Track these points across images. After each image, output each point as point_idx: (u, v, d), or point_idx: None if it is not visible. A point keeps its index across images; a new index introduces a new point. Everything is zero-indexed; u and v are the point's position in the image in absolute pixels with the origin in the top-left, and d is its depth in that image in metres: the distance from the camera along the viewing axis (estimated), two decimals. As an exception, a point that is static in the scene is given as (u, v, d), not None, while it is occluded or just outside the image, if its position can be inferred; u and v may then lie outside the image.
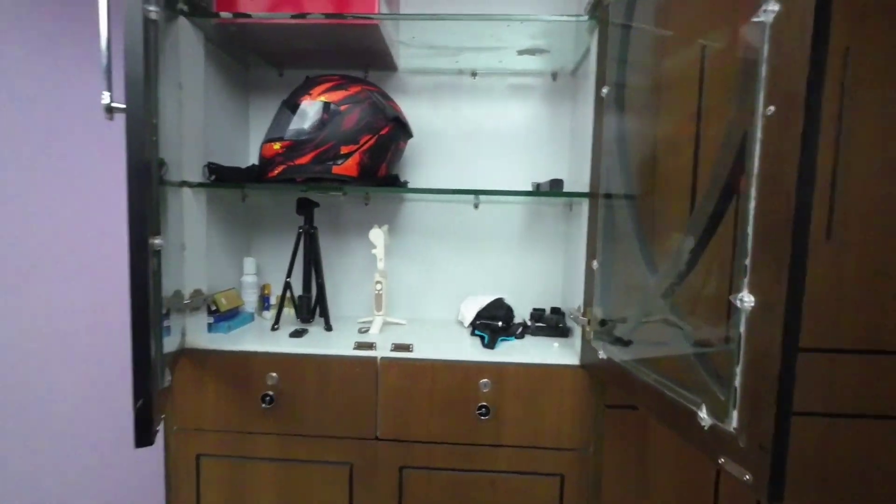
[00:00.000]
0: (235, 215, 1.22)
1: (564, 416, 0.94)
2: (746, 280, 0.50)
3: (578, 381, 0.93)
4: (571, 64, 1.18)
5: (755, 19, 0.48)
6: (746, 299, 0.50)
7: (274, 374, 0.96)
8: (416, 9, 1.22)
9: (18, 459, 1.12)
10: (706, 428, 0.56)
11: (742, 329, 0.51)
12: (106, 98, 0.65)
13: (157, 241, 0.71)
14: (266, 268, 1.31)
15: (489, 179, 1.27)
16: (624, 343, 0.79)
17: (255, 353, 0.97)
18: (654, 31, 0.74)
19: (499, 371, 0.94)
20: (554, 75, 1.24)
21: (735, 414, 0.52)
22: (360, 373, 0.95)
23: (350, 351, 0.97)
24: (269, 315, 1.25)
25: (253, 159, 1.28)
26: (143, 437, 0.69)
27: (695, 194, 0.63)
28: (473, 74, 1.25)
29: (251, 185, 1.06)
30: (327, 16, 0.95)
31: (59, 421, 1.23)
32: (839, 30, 0.85)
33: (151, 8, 0.68)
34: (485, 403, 0.93)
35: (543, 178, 1.25)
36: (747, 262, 0.50)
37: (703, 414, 0.57)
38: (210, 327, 1.06)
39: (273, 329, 1.11)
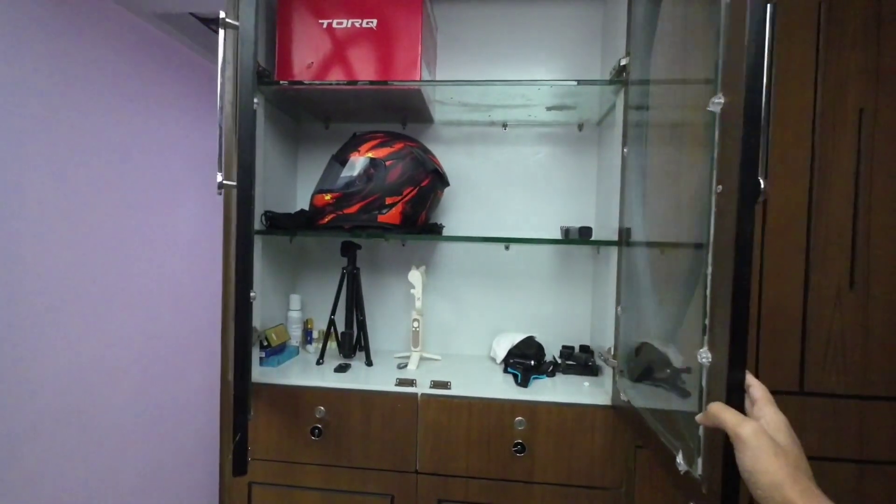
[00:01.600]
0: (283, 255, 1.33)
1: (597, 455, 0.98)
2: (706, 338, 0.55)
3: (610, 421, 0.97)
4: (596, 116, 1.26)
5: (709, 108, 0.55)
6: (705, 356, 0.55)
7: (322, 408, 1.03)
8: (451, 69, 1.33)
9: (76, 479, 1.22)
10: (682, 473, 0.61)
11: (703, 383, 0.55)
12: (220, 177, 0.76)
13: (252, 293, 0.81)
14: (308, 302, 1.41)
15: (520, 221, 1.35)
16: (637, 385, 0.84)
17: (306, 388, 1.05)
18: (661, 86, 0.81)
19: (533, 409, 0.99)
20: (580, 126, 1.32)
21: (700, 462, 0.57)
22: (401, 408, 1.02)
23: (392, 387, 1.04)
24: (312, 348, 1.33)
25: (301, 204, 1.40)
26: (240, 466, 0.75)
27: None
28: (504, 126, 1.34)
29: (303, 231, 1.16)
30: (373, 83, 1.07)
31: (111, 448, 1.33)
32: (854, 91, 0.90)
33: (256, 100, 0.81)
34: (520, 441, 0.98)
35: (571, 218, 1.32)
36: (706, 321, 0.55)
37: (679, 459, 0.61)
38: (262, 361, 1.15)
39: (318, 363, 1.19)
